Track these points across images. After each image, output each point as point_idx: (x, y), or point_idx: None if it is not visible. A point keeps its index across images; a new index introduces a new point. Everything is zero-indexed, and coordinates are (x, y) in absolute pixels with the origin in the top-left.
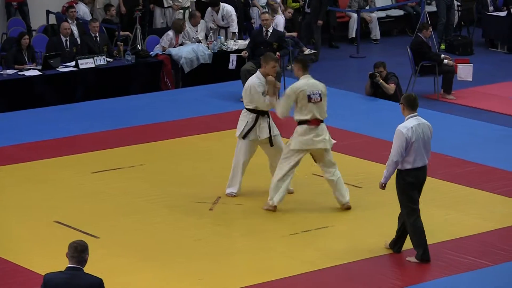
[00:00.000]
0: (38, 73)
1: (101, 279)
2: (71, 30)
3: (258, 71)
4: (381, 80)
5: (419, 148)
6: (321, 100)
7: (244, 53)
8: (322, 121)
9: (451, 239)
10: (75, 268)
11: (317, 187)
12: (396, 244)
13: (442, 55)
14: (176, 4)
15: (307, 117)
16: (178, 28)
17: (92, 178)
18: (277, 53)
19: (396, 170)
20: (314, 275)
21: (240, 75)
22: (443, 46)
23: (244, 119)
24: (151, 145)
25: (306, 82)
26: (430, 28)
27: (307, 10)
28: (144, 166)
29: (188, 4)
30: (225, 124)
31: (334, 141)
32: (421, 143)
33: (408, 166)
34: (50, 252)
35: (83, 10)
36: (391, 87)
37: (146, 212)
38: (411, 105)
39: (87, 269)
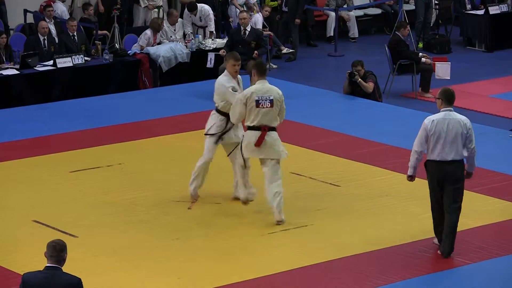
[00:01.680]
0: (16, 72)
1: (79, 278)
2: (49, 28)
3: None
4: (359, 79)
5: (443, 142)
6: (272, 106)
7: (222, 52)
8: (273, 129)
9: (429, 237)
10: (53, 268)
11: (294, 186)
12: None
13: (420, 54)
14: (151, 3)
15: (254, 123)
16: (155, 27)
17: (70, 177)
18: (255, 51)
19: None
20: (292, 274)
21: (218, 73)
22: (421, 45)
23: (212, 120)
24: (129, 144)
25: (259, 87)
26: (408, 27)
27: (285, 8)
28: (123, 165)
29: (161, 3)
30: (203, 123)
31: (286, 153)
32: (445, 138)
33: (431, 157)
34: (29, 252)
35: (61, 9)
36: (369, 86)
37: (124, 211)
38: (449, 100)
39: (66, 268)
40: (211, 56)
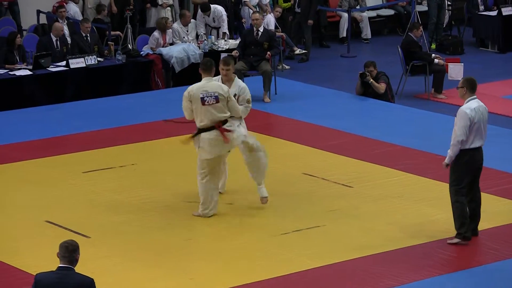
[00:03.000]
0: (29, 72)
1: (92, 279)
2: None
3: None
4: (371, 80)
5: (479, 129)
6: (217, 102)
7: (235, 53)
8: (226, 121)
9: (442, 238)
10: (66, 268)
11: (307, 186)
12: (472, 229)
13: (433, 55)
14: (165, 1)
15: (204, 122)
16: (162, 27)
17: (83, 177)
18: (268, 52)
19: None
20: (305, 275)
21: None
22: (433, 46)
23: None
24: (142, 144)
25: (201, 84)
26: (421, 28)
27: (298, 9)
28: (136, 166)
29: (172, 2)
30: None
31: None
32: (481, 125)
33: (466, 146)
34: (41, 252)
35: (73, 9)
36: (381, 87)
37: (137, 212)
38: (473, 88)
39: (78, 268)
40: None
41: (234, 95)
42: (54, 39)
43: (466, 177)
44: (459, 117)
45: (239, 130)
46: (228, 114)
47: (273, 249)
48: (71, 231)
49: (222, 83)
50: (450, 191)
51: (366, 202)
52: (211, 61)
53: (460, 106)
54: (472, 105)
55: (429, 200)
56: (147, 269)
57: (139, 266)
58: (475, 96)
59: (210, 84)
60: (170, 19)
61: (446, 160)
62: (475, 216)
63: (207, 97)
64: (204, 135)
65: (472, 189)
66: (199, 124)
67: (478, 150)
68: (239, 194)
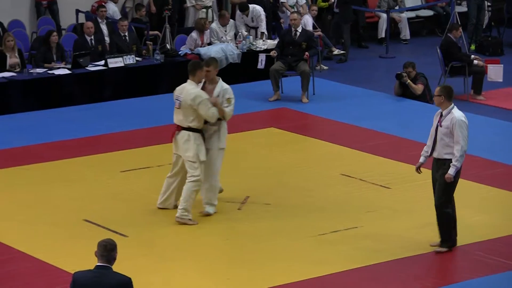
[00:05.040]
0: (68, 72)
1: (129, 278)
2: (101, 29)
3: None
4: (408, 81)
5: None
6: (179, 107)
7: (273, 53)
8: (184, 129)
9: (479, 241)
10: (104, 267)
11: (345, 187)
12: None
13: (472, 56)
14: (199, 3)
15: (174, 120)
16: (200, 27)
17: (120, 177)
18: (306, 53)
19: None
20: (342, 276)
21: (269, 75)
22: (473, 47)
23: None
24: None
25: (181, 86)
26: (460, 29)
27: (336, 10)
28: None
29: (210, 3)
30: (254, 124)
31: (202, 159)
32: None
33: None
34: (79, 251)
35: (112, 9)
36: (418, 88)
37: (174, 212)
38: (450, 96)
39: (116, 267)
40: (262, 57)
41: (217, 96)
42: (88, 38)
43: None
44: (460, 127)
45: (187, 145)
46: (190, 123)
47: (310, 250)
48: (109, 230)
49: (204, 84)
50: (441, 200)
51: (404, 203)
52: (196, 64)
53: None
54: (462, 113)
55: (467, 202)
56: (184, 268)
57: (176, 265)
58: (453, 104)
59: (183, 87)
60: (208, 19)
61: (453, 173)
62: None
63: (176, 100)
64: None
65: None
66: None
67: None
68: (275, 195)
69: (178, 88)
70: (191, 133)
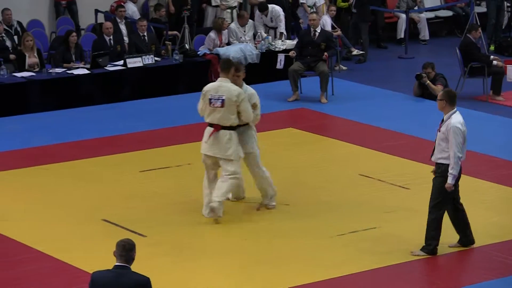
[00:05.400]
0: (87, 71)
1: (148, 278)
2: (120, 29)
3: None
4: (427, 81)
5: (465, 141)
6: (222, 106)
7: (292, 53)
8: (225, 128)
9: (496, 242)
10: (122, 267)
11: (363, 188)
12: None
13: (491, 56)
14: (224, 3)
15: (207, 120)
16: (218, 27)
17: (139, 176)
18: (325, 53)
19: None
20: (361, 276)
21: (288, 75)
22: (492, 47)
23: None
24: (198, 144)
25: (215, 85)
26: (479, 29)
27: (354, 10)
28: (192, 165)
29: (236, 4)
30: (273, 124)
31: (241, 156)
32: (466, 138)
33: (459, 162)
34: (98, 250)
35: (131, 9)
36: (437, 88)
37: (193, 211)
38: (452, 101)
39: (134, 267)
40: (281, 57)
41: None
42: (107, 38)
43: (454, 191)
44: (453, 134)
45: (229, 144)
46: (232, 121)
47: (330, 250)
48: (127, 229)
49: None
50: (433, 205)
51: (423, 204)
52: (229, 62)
53: None
54: (460, 119)
55: (486, 203)
56: (203, 268)
57: (195, 265)
58: (456, 109)
59: (223, 86)
60: (230, 20)
61: (452, 181)
62: (467, 224)
63: (214, 99)
64: (207, 129)
65: (455, 199)
66: (206, 119)
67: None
68: (294, 195)
69: (211, 88)
70: (232, 131)
